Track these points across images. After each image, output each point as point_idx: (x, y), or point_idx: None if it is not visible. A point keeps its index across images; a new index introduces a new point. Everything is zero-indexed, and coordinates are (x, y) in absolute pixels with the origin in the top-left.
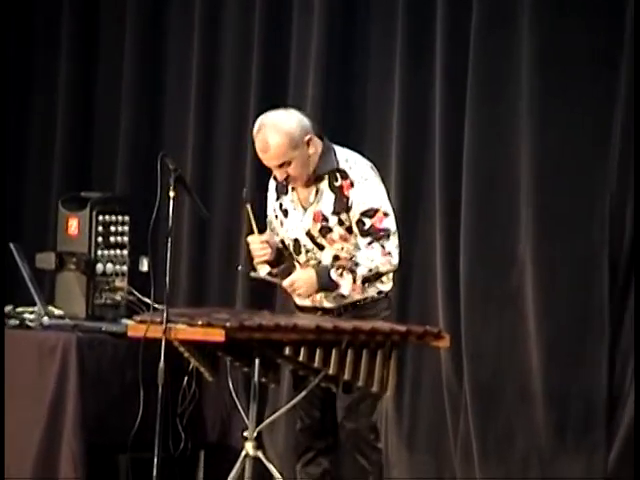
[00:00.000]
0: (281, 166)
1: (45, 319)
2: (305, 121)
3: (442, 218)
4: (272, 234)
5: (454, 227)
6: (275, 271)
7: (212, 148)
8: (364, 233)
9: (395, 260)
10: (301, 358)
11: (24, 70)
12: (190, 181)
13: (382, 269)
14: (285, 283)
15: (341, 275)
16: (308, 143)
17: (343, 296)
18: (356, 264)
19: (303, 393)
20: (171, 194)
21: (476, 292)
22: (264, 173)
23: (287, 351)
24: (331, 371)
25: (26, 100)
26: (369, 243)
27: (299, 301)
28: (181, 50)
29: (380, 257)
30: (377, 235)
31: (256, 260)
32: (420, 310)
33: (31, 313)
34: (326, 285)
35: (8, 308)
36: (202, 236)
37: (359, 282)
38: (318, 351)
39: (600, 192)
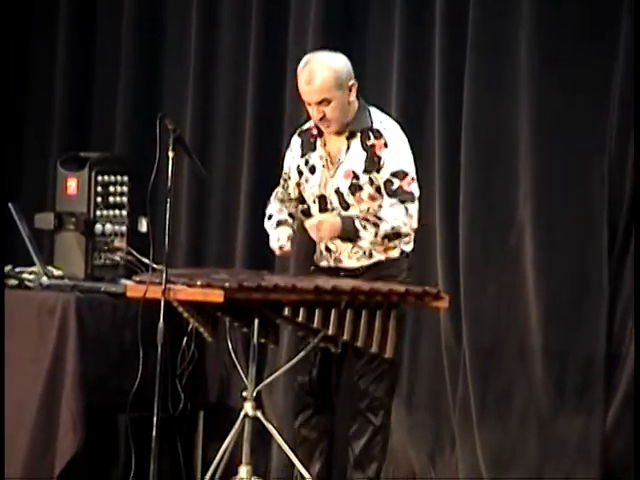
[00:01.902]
0: (320, 103)
1: (44, 279)
2: (351, 67)
3: (441, 179)
4: (285, 229)
5: (453, 188)
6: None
7: (211, 108)
8: (391, 193)
9: (415, 224)
10: (300, 319)
11: (22, 31)
12: (189, 141)
13: (402, 230)
14: (312, 221)
15: (364, 227)
16: (351, 89)
17: (370, 254)
18: (380, 219)
19: (302, 353)
20: (170, 154)
21: (475, 252)
22: (263, 131)
23: (286, 311)
24: (330, 331)
25: (25, 60)
26: (393, 204)
27: (321, 262)
28: (179, 11)
29: (403, 217)
30: (403, 197)
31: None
32: (419, 271)
33: (30, 273)
34: (348, 232)
35: (7, 268)
36: (201, 196)
37: (380, 237)
38: (317, 311)
39: (599, 151)
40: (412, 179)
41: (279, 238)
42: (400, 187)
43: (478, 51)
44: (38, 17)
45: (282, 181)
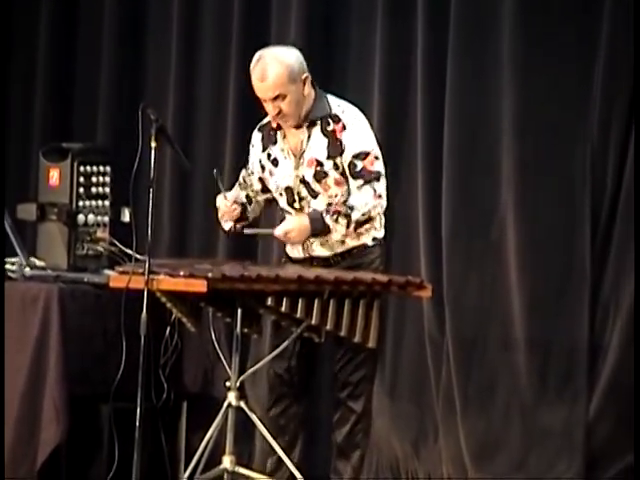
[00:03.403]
0: (275, 99)
1: (27, 270)
2: (303, 60)
3: (424, 169)
4: (237, 192)
5: (436, 178)
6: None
7: (193, 98)
8: (356, 175)
9: (384, 202)
10: (283, 309)
11: (4, 22)
12: (171, 131)
13: (374, 212)
14: (278, 232)
15: (336, 220)
16: (304, 82)
17: (342, 241)
18: (351, 208)
19: (285, 343)
20: (152, 144)
21: (458, 242)
22: (246, 122)
23: (269, 302)
24: (313, 321)
25: (6, 50)
26: (360, 186)
27: (292, 253)
28: (161, 1)
29: (372, 200)
30: (368, 177)
31: (225, 218)
32: (402, 261)
33: (13, 264)
34: (319, 230)
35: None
36: (184, 187)
37: (352, 227)
38: (300, 301)
39: (581, 141)
40: (375, 157)
41: (225, 196)
42: (364, 168)
43: (460, 39)
44: (19, 7)
45: (246, 174)
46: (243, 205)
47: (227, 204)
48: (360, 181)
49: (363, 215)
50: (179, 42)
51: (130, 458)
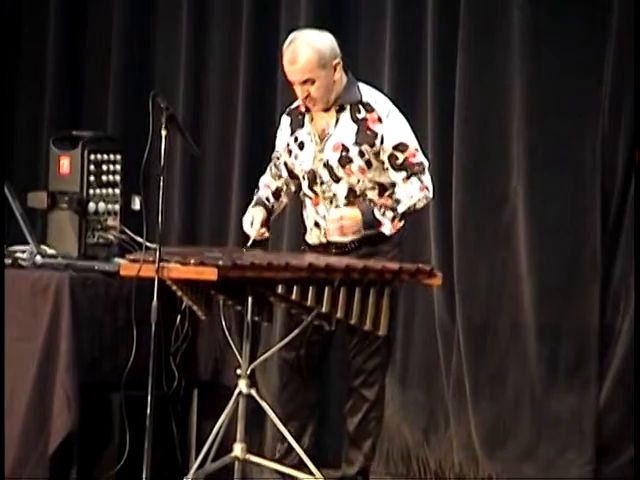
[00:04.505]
0: (304, 83)
1: (38, 258)
2: (336, 46)
3: (434, 156)
4: (261, 212)
5: (446, 165)
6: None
7: (204, 86)
8: (398, 167)
9: (431, 195)
10: (294, 296)
11: (14, 8)
12: (182, 119)
13: (419, 205)
14: (333, 216)
15: (384, 214)
16: (335, 67)
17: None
18: (397, 201)
19: (296, 331)
20: (163, 133)
21: (468, 229)
22: (256, 109)
23: (280, 289)
24: (324, 309)
25: (16, 38)
26: (407, 177)
27: (310, 239)
28: None
29: (418, 192)
30: (413, 169)
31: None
32: (413, 248)
33: (24, 252)
34: (370, 224)
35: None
36: (194, 175)
37: (397, 220)
38: (311, 289)
39: (592, 128)
40: (416, 150)
41: (252, 223)
42: (406, 159)
43: (471, 25)
44: None
45: (275, 158)
46: (268, 210)
47: (255, 231)
48: (404, 173)
49: (409, 208)
50: (189, 29)
51: (141, 446)
